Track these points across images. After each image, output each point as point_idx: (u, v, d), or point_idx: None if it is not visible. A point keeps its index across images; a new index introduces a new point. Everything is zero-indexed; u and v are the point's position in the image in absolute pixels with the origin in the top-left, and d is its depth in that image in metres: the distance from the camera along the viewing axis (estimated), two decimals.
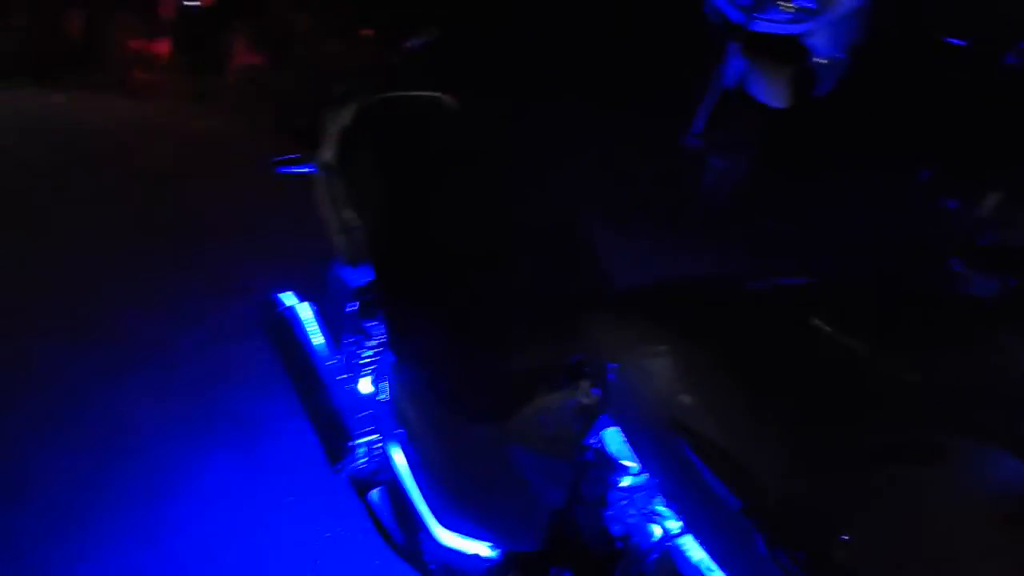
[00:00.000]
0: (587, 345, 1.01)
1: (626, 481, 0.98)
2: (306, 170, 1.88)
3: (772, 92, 3.35)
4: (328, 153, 1.74)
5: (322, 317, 1.84)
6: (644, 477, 0.96)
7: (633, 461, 0.96)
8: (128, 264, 2.96)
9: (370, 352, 1.68)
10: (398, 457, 1.54)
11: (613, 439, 0.99)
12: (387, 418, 1.56)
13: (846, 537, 0.62)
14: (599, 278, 1.36)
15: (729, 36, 3.41)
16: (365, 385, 1.72)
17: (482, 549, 1.31)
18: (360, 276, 1.67)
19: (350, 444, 1.55)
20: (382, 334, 1.63)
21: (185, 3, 4.35)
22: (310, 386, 1.67)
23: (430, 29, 2.05)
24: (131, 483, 1.99)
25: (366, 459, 1.57)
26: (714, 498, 0.75)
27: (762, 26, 3.31)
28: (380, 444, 1.60)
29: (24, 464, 1.99)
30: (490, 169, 1.58)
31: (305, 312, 1.81)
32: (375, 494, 1.59)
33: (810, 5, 3.22)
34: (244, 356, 2.48)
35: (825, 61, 3.30)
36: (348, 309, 1.70)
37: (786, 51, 3.31)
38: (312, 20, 4.38)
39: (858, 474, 0.66)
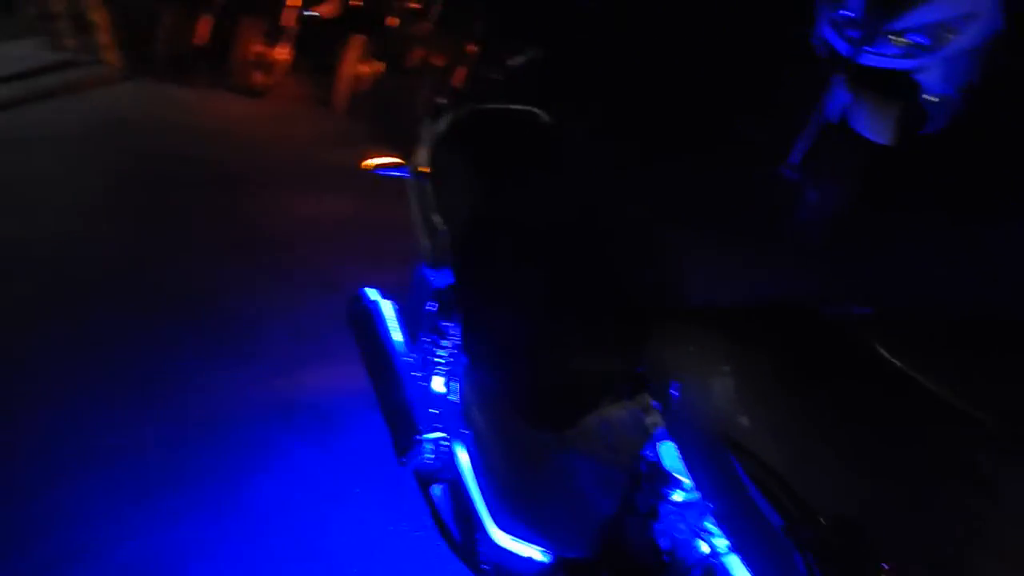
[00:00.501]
0: (652, 358, 1.02)
1: (678, 496, 0.98)
2: (401, 174, 1.96)
3: (877, 128, 3.21)
4: (422, 159, 1.82)
5: (403, 315, 1.90)
6: (696, 493, 0.96)
7: (686, 477, 0.96)
8: (228, 256, 3.12)
9: (445, 352, 1.73)
10: (463, 457, 1.57)
11: (668, 453, 0.99)
12: (455, 418, 1.60)
13: (887, 566, 0.61)
14: (673, 296, 1.36)
15: (835, 68, 3.31)
16: (438, 383, 1.77)
17: (535, 553, 1.33)
18: (441, 278, 1.72)
19: (418, 439, 1.59)
20: (457, 335, 1.68)
21: (306, 13, 4.60)
22: (385, 380, 1.72)
23: (534, 49, 2.10)
24: (209, 462, 2.09)
25: (432, 455, 1.61)
26: (761, 519, 0.75)
27: (870, 59, 3.20)
28: (447, 443, 1.63)
29: (113, 435, 2.11)
30: (574, 183, 1.61)
31: (387, 309, 1.87)
32: (437, 490, 1.63)
33: (923, 41, 3.06)
34: (329, 350, 2.58)
35: (935, 99, 3.14)
36: (427, 309, 1.76)
37: (894, 87, 3.17)
38: (424, 34, 4.55)
39: (910, 502, 0.65)
